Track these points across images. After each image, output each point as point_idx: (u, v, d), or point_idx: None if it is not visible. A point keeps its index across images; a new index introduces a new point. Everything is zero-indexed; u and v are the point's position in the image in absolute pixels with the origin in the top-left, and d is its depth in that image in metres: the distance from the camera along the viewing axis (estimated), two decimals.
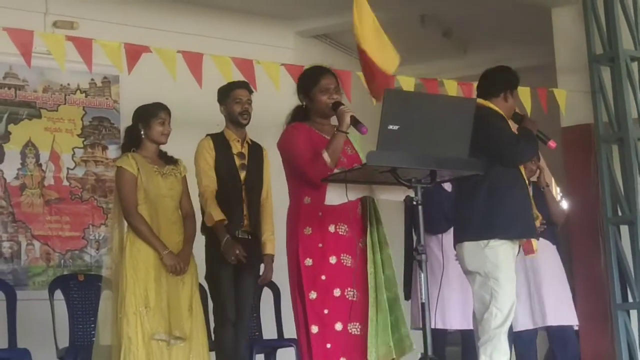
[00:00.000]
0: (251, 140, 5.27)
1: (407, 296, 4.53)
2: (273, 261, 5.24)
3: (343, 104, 4.20)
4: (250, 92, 5.26)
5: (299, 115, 4.38)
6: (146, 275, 4.66)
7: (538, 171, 5.87)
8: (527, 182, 4.54)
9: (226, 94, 5.21)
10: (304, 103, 4.35)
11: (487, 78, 4.66)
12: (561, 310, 5.67)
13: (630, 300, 6.44)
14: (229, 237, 4.94)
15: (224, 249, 4.93)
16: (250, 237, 5.11)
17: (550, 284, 5.65)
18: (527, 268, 5.64)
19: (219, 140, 5.15)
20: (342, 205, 4.06)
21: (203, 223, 5.04)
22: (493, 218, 4.31)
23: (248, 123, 5.19)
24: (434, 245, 5.33)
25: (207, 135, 5.20)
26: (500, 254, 4.29)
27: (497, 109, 4.48)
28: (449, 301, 5.32)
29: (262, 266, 5.27)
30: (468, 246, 4.34)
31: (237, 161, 5.14)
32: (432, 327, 5.18)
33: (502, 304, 4.25)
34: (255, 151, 5.24)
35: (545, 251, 5.67)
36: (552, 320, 5.63)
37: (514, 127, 4.58)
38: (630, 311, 6.46)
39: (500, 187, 4.35)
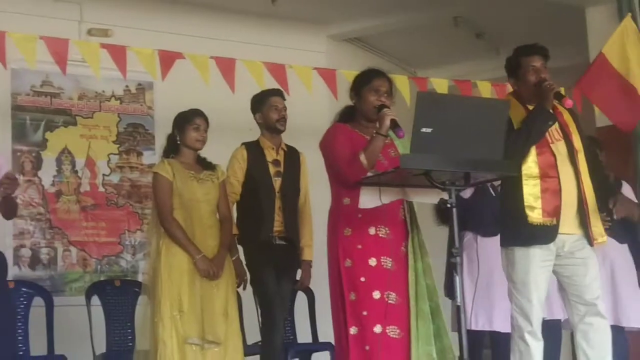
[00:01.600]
0: (287, 146, 5.26)
1: (451, 295, 4.51)
2: (311, 267, 5.26)
3: (388, 107, 4.18)
4: (284, 99, 5.26)
5: (346, 115, 4.38)
6: (180, 279, 4.68)
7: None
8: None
9: (262, 101, 5.20)
10: (353, 101, 4.35)
11: None
12: (635, 311, 5.55)
13: None
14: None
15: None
16: (287, 244, 5.11)
17: (622, 283, 5.51)
18: (603, 266, 5.49)
19: (253, 149, 5.15)
20: (383, 207, 4.04)
21: (240, 233, 5.08)
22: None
23: (284, 130, 5.19)
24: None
25: (242, 144, 5.20)
26: (516, 255, 4.21)
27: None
28: (495, 303, 5.26)
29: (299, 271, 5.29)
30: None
31: (272, 169, 5.13)
32: (477, 328, 5.22)
33: (519, 306, 4.18)
34: (292, 157, 5.22)
35: (615, 250, 5.57)
36: (627, 322, 5.44)
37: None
38: None
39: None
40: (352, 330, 4.12)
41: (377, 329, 4.11)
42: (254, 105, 5.24)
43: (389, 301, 4.15)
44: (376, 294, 4.13)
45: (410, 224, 4.27)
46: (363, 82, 4.31)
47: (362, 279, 4.13)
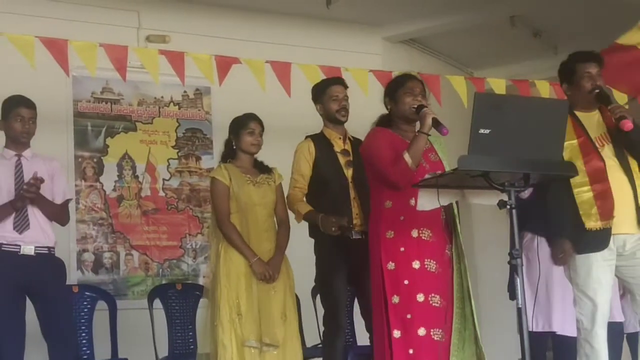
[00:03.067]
0: (352, 137, 5.12)
1: (512, 296, 4.48)
2: None
3: (426, 107, 4.20)
4: (346, 87, 5.13)
5: (383, 123, 4.41)
6: (237, 283, 4.73)
7: None
8: None
9: (322, 91, 5.07)
10: (389, 107, 4.38)
11: None
12: None
13: None
14: (323, 214, 4.81)
15: (323, 227, 4.80)
16: (363, 237, 4.84)
17: None
18: None
19: (320, 141, 5.03)
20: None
21: (310, 226, 4.98)
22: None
23: (346, 120, 5.07)
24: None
25: (307, 136, 5.08)
26: (577, 259, 4.20)
27: None
28: (554, 304, 5.20)
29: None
30: None
31: (342, 159, 5.01)
32: (538, 330, 5.16)
33: (584, 309, 4.17)
34: (358, 147, 4.94)
35: None
36: None
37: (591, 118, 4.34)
38: None
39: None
40: (396, 334, 4.12)
41: (421, 331, 4.12)
42: (314, 96, 5.11)
43: (433, 304, 4.14)
44: (420, 297, 4.13)
45: (452, 226, 4.26)
46: (397, 85, 4.36)
47: (406, 282, 4.14)
